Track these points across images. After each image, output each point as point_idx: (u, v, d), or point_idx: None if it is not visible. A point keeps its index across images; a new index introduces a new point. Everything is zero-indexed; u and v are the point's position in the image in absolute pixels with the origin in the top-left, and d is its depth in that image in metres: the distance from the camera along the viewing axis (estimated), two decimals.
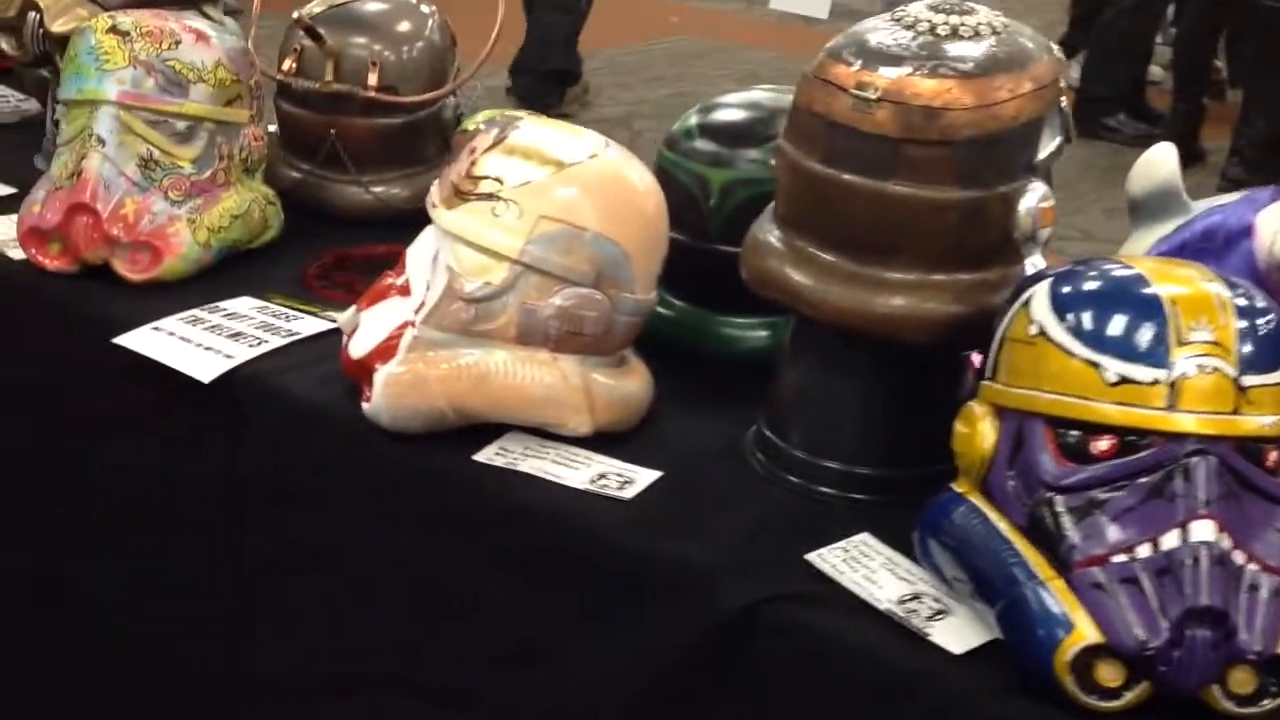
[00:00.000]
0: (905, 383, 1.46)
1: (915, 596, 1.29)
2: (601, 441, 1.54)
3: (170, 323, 1.77)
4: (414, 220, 2.07)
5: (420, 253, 1.55)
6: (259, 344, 1.72)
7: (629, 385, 1.55)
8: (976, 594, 1.24)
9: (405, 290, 1.55)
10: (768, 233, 1.48)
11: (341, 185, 2.11)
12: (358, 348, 1.54)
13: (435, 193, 1.56)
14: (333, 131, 2.08)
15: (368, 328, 1.54)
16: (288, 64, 2.09)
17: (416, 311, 1.52)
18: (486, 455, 1.51)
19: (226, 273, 1.91)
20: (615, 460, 1.51)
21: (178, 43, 1.86)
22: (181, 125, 1.86)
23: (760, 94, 1.75)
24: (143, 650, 1.79)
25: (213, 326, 1.76)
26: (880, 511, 1.44)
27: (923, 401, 1.47)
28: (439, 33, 2.15)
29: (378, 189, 2.12)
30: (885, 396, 1.46)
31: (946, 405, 1.48)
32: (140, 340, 1.73)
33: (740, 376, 1.67)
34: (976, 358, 1.40)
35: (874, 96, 1.35)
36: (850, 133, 1.37)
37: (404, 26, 2.13)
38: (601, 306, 1.50)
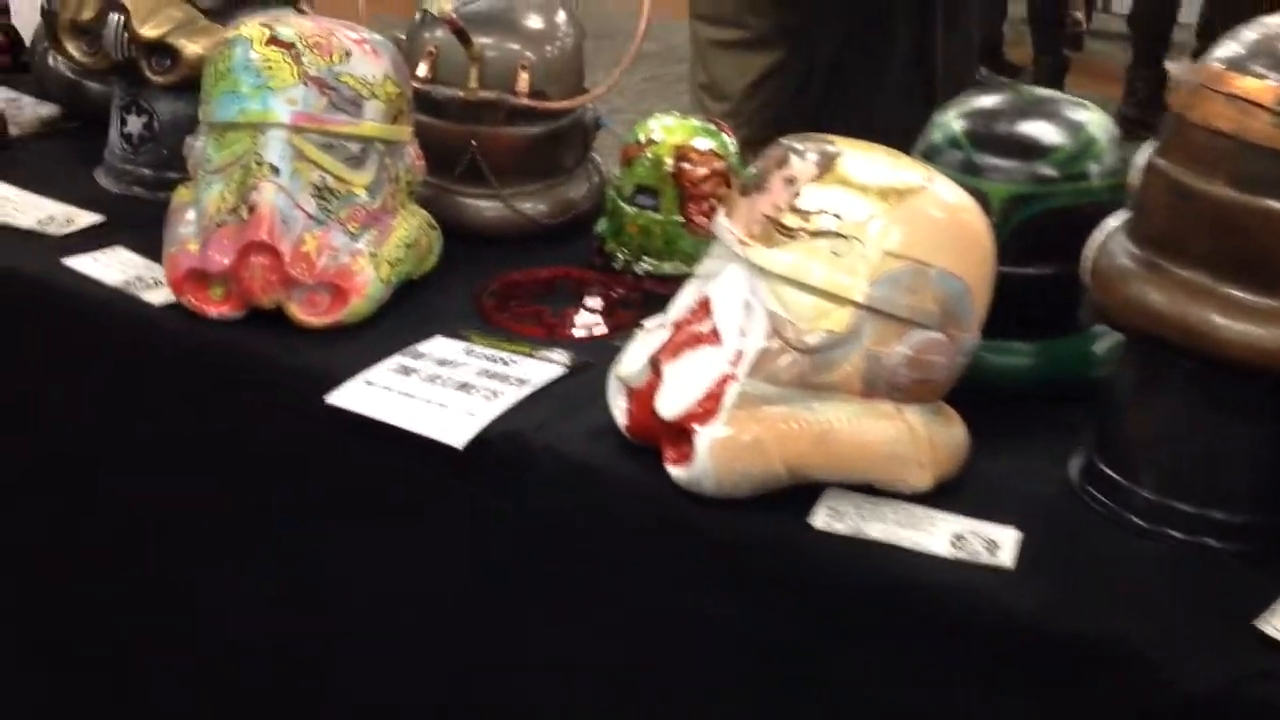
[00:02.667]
0: None
1: None
2: (928, 494, 1.35)
3: (381, 374, 1.51)
4: (552, 235, 1.87)
5: (727, 294, 1.33)
6: (494, 396, 1.47)
7: (956, 431, 1.37)
8: None
9: (714, 337, 1.33)
10: (1125, 257, 1.31)
11: (481, 201, 1.87)
12: (668, 405, 1.31)
13: (732, 226, 1.34)
14: (473, 143, 1.83)
15: (675, 382, 1.32)
16: (423, 69, 1.83)
17: (734, 363, 1.31)
18: (823, 520, 1.31)
19: (392, 308, 1.66)
20: (960, 516, 1.33)
21: (348, 54, 1.60)
22: (355, 148, 1.60)
23: (1017, 95, 1.57)
24: None
25: (431, 377, 1.51)
26: (1261, 563, 1.29)
27: None
28: (575, 26, 1.91)
29: (520, 204, 1.87)
30: (1275, 436, 1.30)
31: None
32: (358, 399, 1.47)
33: (1009, 405, 1.51)
34: None
35: None
36: (1273, 155, 1.20)
37: (543, 23, 1.89)
38: (949, 350, 1.32)
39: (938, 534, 1.30)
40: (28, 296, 1.72)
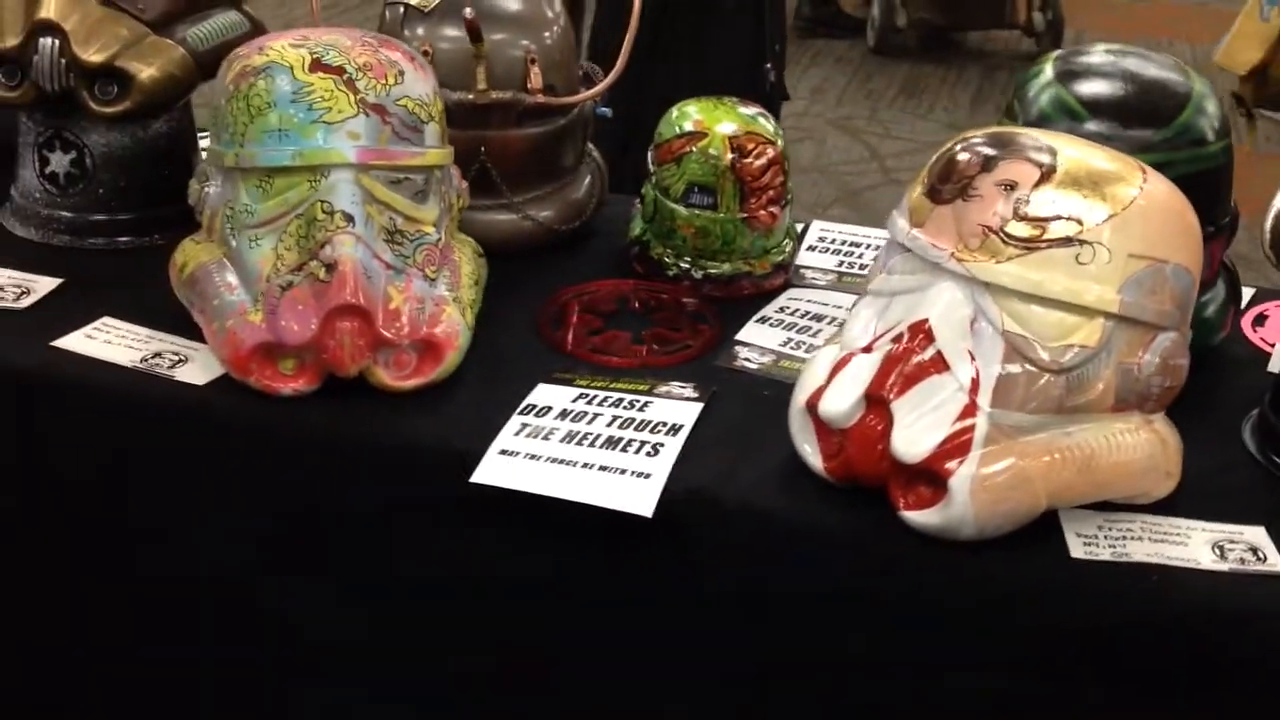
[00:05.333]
0: None
1: None
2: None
3: (513, 441, 1.28)
4: (561, 241, 1.66)
5: (948, 316, 1.17)
6: (655, 451, 1.27)
7: (1176, 432, 1.25)
8: None
9: (941, 364, 1.17)
10: None
11: (493, 213, 1.63)
12: (911, 446, 1.15)
13: (935, 240, 1.18)
14: (483, 150, 1.59)
15: (911, 420, 1.16)
16: None
17: (973, 392, 1.15)
18: (1081, 549, 1.18)
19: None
20: (1206, 522, 1.22)
21: (401, 74, 1.34)
22: (420, 180, 1.35)
23: (1123, 58, 1.43)
24: None
25: (570, 436, 1.29)
26: None
27: None
28: (563, 8, 1.68)
29: (533, 212, 1.64)
30: None
31: None
32: (507, 474, 1.25)
33: None
34: None
35: None
36: None
37: (537, 10, 1.65)
38: (1185, 350, 1.20)
39: (1195, 544, 1.19)
40: (29, 392, 1.39)
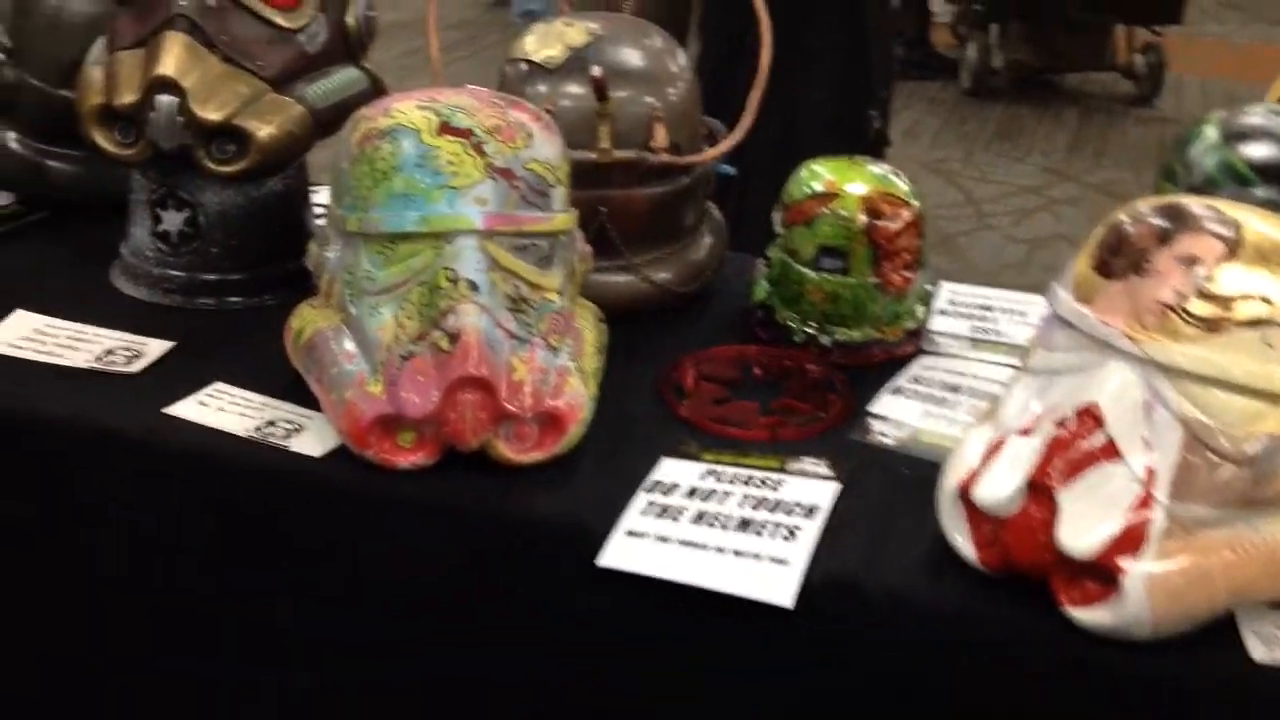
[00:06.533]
0: None
1: None
2: None
3: (640, 521, 1.20)
4: (678, 304, 1.57)
5: (1120, 400, 1.07)
6: (791, 535, 1.18)
7: None
8: None
9: (1111, 452, 1.06)
10: None
11: (611, 275, 1.55)
12: (1080, 539, 1.05)
13: (1105, 318, 1.08)
14: (603, 210, 1.51)
15: (1080, 511, 1.06)
16: None
17: (1148, 483, 1.05)
18: (1260, 649, 1.08)
19: None
20: None
21: (530, 136, 1.27)
22: (545, 245, 1.28)
23: (1266, 113, 1.34)
24: None
25: (699, 516, 1.21)
26: None
27: None
28: (689, 64, 1.60)
29: (651, 273, 1.56)
30: None
31: None
32: (636, 557, 1.17)
33: None
34: None
35: None
36: None
37: (663, 64, 1.57)
38: None
39: None
40: (139, 459, 1.32)
